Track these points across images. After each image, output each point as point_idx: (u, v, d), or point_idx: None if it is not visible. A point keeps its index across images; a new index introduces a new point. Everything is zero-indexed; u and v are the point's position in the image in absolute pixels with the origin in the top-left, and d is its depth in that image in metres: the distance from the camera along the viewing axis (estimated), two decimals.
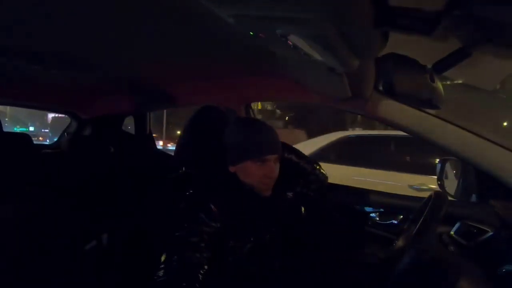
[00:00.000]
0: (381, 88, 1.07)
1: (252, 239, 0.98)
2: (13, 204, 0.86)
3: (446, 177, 1.33)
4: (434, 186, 3.40)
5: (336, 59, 0.60)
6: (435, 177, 1.33)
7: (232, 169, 1.03)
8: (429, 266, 0.94)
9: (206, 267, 0.89)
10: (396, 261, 0.91)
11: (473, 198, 1.20)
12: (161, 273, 0.86)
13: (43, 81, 1.34)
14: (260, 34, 0.60)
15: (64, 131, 1.97)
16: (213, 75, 1.34)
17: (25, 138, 1.07)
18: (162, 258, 0.89)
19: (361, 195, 1.43)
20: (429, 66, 0.58)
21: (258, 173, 0.99)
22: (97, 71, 1.27)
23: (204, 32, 0.82)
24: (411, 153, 3.32)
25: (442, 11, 0.52)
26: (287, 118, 15.38)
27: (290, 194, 1.12)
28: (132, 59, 1.14)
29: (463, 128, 1.01)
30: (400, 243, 1.02)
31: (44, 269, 0.84)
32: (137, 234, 1.22)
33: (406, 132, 1.12)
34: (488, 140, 0.98)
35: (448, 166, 1.35)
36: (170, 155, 1.77)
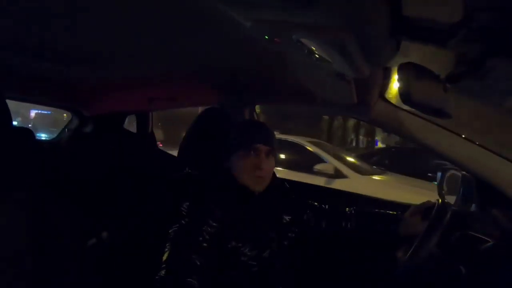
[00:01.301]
0: (385, 96, 1.09)
1: (252, 240, 0.98)
2: (13, 203, 0.85)
3: (447, 187, 1.34)
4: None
5: (349, 65, 0.61)
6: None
7: (226, 164, 1.05)
8: (430, 275, 0.95)
9: (207, 267, 0.89)
10: (398, 270, 0.92)
11: (473, 207, 1.21)
12: (162, 272, 0.86)
13: (47, 77, 1.33)
14: (275, 39, 0.60)
15: (64, 127, 1.96)
16: (219, 77, 1.34)
17: (27, 133, 1.06)
18: (164, 258, 0.89)
19: (363, 202, 1.43)
20: (442, 76, 0.59)
21: (249, 164, 1.00)
22: (102, 69, 1.26)
23: (217, 34, 0.82)
24: None
25: (457, 23, 0.53)
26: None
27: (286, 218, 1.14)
28: (136, 58, 1.14)
29: (464, 138, 1.02)
30: (401, 251, 1.02)
31: (44, 269, 0.82)
32: (137, 234, 1.21)
33: (408, 140, 1.13)
34: (489, 150, 1.00)
35: (448, 175, 1.35)
36: (172, 155, 1.77)
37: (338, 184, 3.66)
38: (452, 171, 1.35)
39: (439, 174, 1.37)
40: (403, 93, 0.54)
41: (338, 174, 3.85)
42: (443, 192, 1.31)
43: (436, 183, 1.20)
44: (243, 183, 1.02)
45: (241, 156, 1.02)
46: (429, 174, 5.60)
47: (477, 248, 0.98)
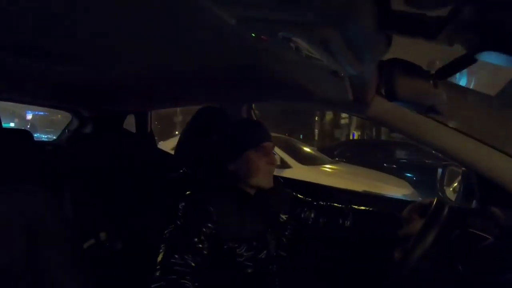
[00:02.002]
0: (383, 93, 1.07)
1: (248, 241, 0.98)
2: (12, 203, 0.85)
3: (447, 183, 1.32)
4: None
5: (339, 62, 0.60)
6: None
7: (232, 167, 1.03)
8: (428, 274, 0.93)
9: (203, 268, 0.89)
10: (395, 269, 0.91)
11: (474, 204, 1.19)
12: (157, 273, 0.86)
13: (47, 78, 1.34)
14: (262, 36, 0.60)
15: (65, 128, 1.98)
16: (214, 75, 1.34)
17: (25, 135, 1.07)
18: (159, 258, 0.89)
19: (358, 197, 1.42)
20: (432, 71, 0.58)
21: (262, 162, 1.02)
22: (101, 69, 1.27)
23: (214, 34, 0.81)
24: None
25: (447, 16, 0.51)
26: None
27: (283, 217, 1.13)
28: (134, 58, 1.13)
29: (465, 134, 1.00)
30: (399, 249, 1.01)
31: (44, 269, 0.83)
32: (137, 234, 1.22)
33: (407, 137, 1.11)
34: (490, 146, 0.98)
35: (449, 172, 1.34)
36: (171, 154, 1.77)
37: (282, 174, 3.92)
38: (454, 167, 1.34)
39: (439, 170, 1.36)
40: (388, 91, 0.53)
41: (284, 165, 4.18)
42: (443, 189, 1.30)
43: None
44: (257, 184, 1.03)
45: (252, 156, 1.02)
46: (385, 165, 6.10)
47: (476, 246, 0.97)
